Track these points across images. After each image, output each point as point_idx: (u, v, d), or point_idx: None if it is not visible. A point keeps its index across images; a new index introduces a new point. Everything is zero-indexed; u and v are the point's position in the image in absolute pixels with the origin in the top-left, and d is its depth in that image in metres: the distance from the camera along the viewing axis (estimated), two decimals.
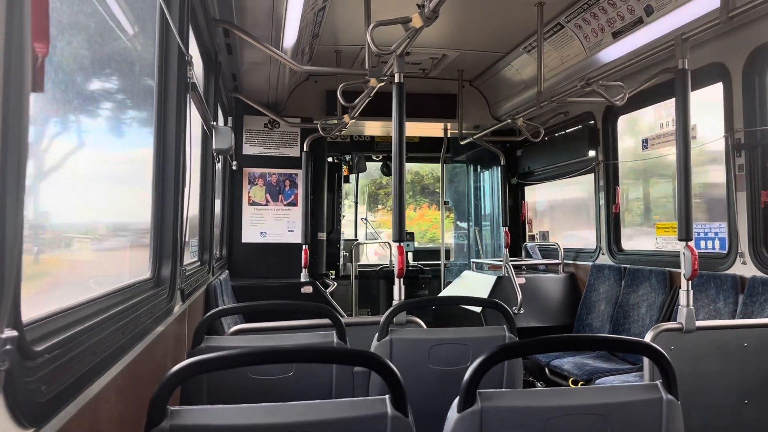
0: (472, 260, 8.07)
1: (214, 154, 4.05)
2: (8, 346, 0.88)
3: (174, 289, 2.69)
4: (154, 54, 2.57)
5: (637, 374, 4.74)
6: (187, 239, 3.26)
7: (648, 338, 3.18)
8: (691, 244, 3.35)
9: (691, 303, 3.30)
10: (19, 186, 0.97)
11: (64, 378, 1.21)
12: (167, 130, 2.60)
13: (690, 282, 3.32)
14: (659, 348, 1.69)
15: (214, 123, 4.24)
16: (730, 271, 4.43)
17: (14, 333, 0.91)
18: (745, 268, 4.33)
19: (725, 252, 4.60)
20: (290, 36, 4.41)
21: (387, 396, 1.50)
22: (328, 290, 6.63)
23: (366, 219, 9.54)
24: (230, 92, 6.11)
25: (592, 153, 6.35)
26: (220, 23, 4.03)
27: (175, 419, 1.38)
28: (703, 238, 4.95)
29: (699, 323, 3.30)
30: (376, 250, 10.24)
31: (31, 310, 1.23)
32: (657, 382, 1.69)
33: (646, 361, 3.21)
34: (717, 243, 4.84)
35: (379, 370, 1.50)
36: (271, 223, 6.80)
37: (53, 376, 1.16)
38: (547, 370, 5.51)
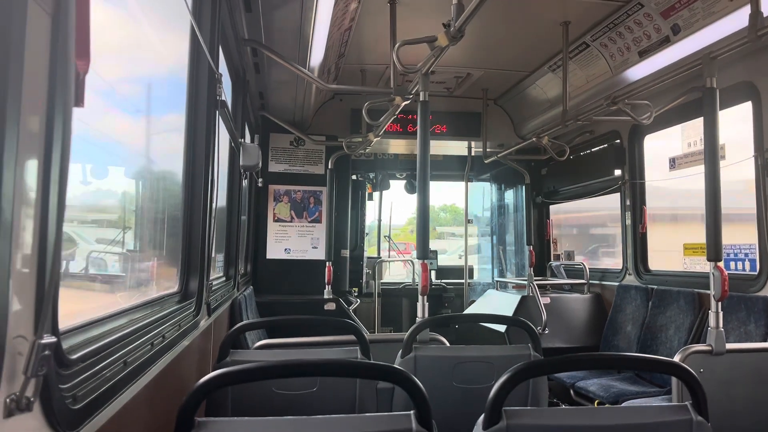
0: (496, 279, 8.01)
1: (241, 170, 4.11)
2: (47, 352, 0.91)
3: (201, 303, 2.73)
4: (185, 71, 2.64)
5: (666, 397, 4.64)
6: (213, 254, 3.30)
7: (676, 360, 3.12)
8: (721, 264, 3.29)
9: (720, 325, 3.24)
10: (61, 200, 1.00)
11: (95, 387, 1.24)
12: (197, 146, 2.65)
13: (720, 303, 3.26)
14: (688, 368, 1.66)
15: (242, 140, 4.31)
16: (762, 293, 4.33)
17: (53, 339, 0.94)
18: None
19: (756, 273, 4.50)
20: (317, 55, 4.48)
21: (412, 411, 1.49)
22: (351, 307, 6.63)
23: (389, 237, 9.54)
24: (257, 110, 6.21)
25: (618, 172, 6.29)
26: (249, 42, 4.12)
27: (203, 430, 1.40)
28: (732, 259, 4.86)
29: (729, 346, 3.23)
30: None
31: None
32: (687, 403, 1.66)
33: (674, 383, 3.15)
34: (747, 264, 4.74)
35: (404, 385, 1.49)
36: (296, 239, 6.85)
37: (86, 385, 1.19)
38: (572, 391, 5.42)
